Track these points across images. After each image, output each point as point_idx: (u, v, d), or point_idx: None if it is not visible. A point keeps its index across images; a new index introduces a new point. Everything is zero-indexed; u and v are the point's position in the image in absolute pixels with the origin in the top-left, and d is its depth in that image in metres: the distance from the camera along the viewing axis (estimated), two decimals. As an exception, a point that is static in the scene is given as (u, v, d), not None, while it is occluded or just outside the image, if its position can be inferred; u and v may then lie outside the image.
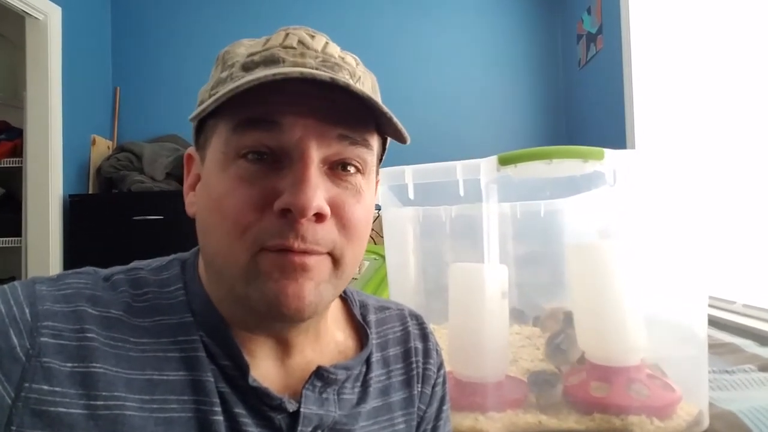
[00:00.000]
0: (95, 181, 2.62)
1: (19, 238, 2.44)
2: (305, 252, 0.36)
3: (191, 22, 2.89)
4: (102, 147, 2.70)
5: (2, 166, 2.54)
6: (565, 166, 0.73)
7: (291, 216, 0.35)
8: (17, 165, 2.49)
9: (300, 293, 0.37)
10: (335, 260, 0.39)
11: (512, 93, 2.88)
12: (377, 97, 0.44)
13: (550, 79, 2.88)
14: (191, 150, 0.45)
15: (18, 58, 2.59)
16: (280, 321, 0.41)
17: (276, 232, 0.36)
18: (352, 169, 0.40)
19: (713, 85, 1.67)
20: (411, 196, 0.81)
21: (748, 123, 1.50)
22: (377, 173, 0.46)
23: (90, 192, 2.60)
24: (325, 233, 0.37)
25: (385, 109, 0.38)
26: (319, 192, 0.36)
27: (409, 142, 0.42)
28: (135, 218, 2.37)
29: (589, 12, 2.47)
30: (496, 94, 2.87)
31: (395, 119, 0.39)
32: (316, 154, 0.37)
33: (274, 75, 0.34)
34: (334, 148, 0.38)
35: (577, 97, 2.71)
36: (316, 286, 0.38)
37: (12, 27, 2.62)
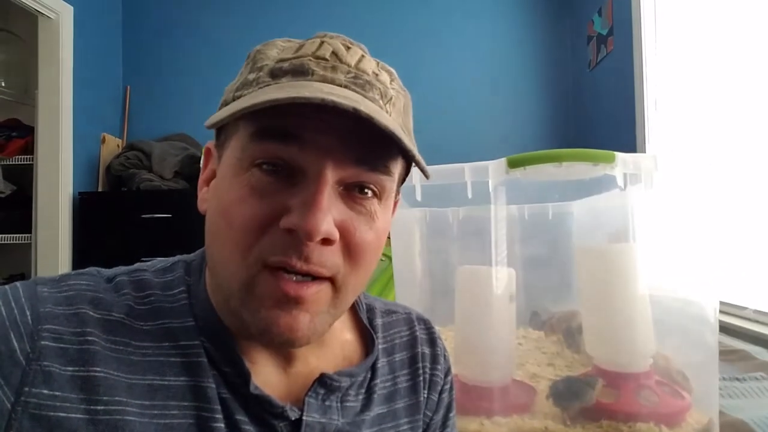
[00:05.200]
0: (105, 178, 2.64)
1: (29, 235, 2.46)
2: (307, 274, 0.35)
3: (202, 22, 2.90)
4: (112, 145, 2.72)
5: (13, 163, 2.57)
6: (576, 169, 0.73)
7: (296, 236, 0.34)
8: (28, 162, 2.52)
9: (293, 325, 0.36)
10: (336, 287, 0.37)
11: (522, 95, 2.86)
12: (408, 120, 0.43)
13: (560, 81, 2.86)
14: (210, 144, 0.44)
15: (30, 57, 2.61)
16: (272, 346, 0.41)
17: (279, 249, 0.35)
18: (369, 193, 0.38)
19: (726, 86, 1.65)
20: (419, 197, 0.81)
21: (761, 126, 1.48)
22: (398, 193, 0.45)
23: (99, 190, 2.62)
24: (331, 256, 0.36)
25: (408, 146, 0.36)
26: (329, 217, 0.35)
27: (430, 178, 0.41)
28: (144, 216, 2.38)
29: (600, 13, 2.45)
30: (506, 96, 2.85)
31: (418, 156, 0.37)
32: (331, 176, 0.35)
33: (293, 98, 0.32)
34: (350, 171, 0.36)
35: (587, 99, 2.69)
36: (312, 318, 0.36)
37: (24, 25, 2.65)
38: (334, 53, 0.38)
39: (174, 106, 2.85)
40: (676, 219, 0.84)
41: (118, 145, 2.77)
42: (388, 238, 0.96)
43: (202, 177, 0.44)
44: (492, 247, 0.78)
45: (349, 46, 0.40)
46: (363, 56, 0.40)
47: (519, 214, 1.00)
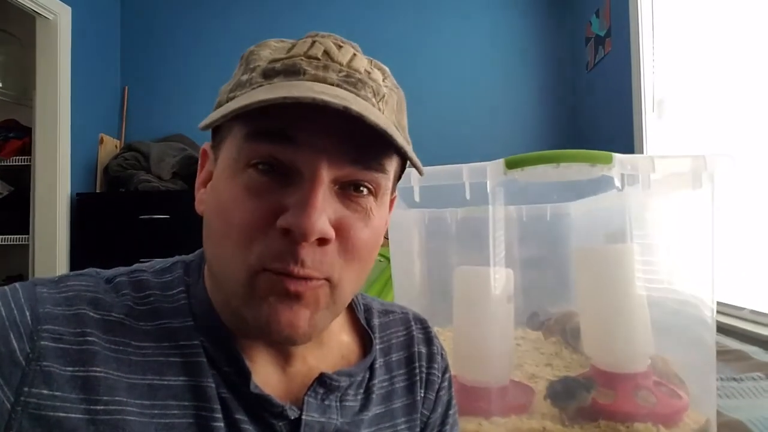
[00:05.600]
0: (102, 179, 2.63)
1: (26, 236, 2.45)
2: (304, 278, 0.35)
3: (199, 23, 2.90)
4: (110, 146, 2.72)
5: (11, 164, 2.57)
6: (573, 170, 0.73)
7: (293, 236, 0.34)
8: (26, 163, 2.51)
9: (294, 321, 0.36)
10: (333, 285, 0.38)
11: (519, 95, 2.86)
12: (401, 117, 0.43)
13: (557, 82, 2.86)
14: (207, 146, 0.44)
15: (28, 57, 2.61)
16: (273, 343, 0.41)
17: (277, 254, 0.35)
18: (364, 191, 0.38)
19: (724, 87, 1.65)
20: (417, 198, 0.81)
21: (760, 126, 1.49)
22: (394, 191, 0.45)
23: (97, 191, 2.62)
24: (326, 257, 0.36)
25: (400, 142, 0.36)
26: (324, 216, 0.35)
27: (424, 175, 0.41)
28: (141, 217, 2.37)
29: (597, 15, 2.45)
30: (504, 97, 2.86)
31: (411, 153, 0.37)
32: (326, 175, 0.36)
33: (284, 98, 0.33)
34: (346, 170, 0.37)
35: (584, 101, 2.70)
36: (312, 315, 0.37)
37: (22, 26, 2.65)
38: (326, 52, 0.38)
39: (172, 107, 2.85)
40: (674, 219, 0.84)
41: (115, 146, 2.76)
42: (386, 238, 0.97)
43: (199, 178, 0.44)
44: (490, 247, 0.78)
45: (341, 45, 0.40)
46: (355, 55, 0.40)
47: (517, 215, 1.00)
